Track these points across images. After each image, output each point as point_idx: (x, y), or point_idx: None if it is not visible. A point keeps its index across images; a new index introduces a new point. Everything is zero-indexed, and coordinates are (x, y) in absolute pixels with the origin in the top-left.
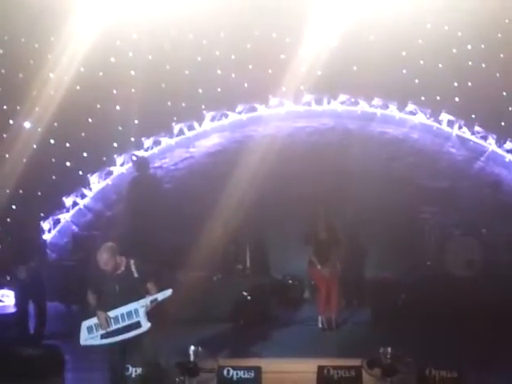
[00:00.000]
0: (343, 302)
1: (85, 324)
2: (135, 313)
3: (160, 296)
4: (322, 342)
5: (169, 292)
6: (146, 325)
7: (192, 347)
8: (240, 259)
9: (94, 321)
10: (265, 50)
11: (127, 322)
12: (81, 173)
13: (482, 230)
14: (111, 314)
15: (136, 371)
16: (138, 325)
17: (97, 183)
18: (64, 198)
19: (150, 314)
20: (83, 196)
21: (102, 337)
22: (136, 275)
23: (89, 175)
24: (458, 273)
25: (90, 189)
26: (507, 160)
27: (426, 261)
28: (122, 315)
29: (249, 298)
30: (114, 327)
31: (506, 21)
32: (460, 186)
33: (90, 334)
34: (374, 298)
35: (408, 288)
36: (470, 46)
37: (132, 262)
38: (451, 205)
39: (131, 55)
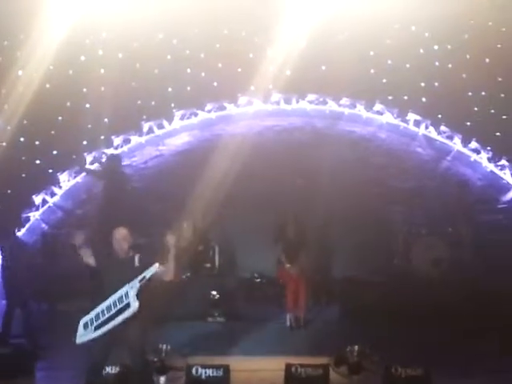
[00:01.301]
0: (311, 301)
1: (82, 321)
2: (125, 296)
3: (147, 273)
4: (290, 341)
5: (155, 267)
6: (134, 305)
7: (160, 346)
8: (209, 258)
9: (89, 316)
10: (234, 49)
11: (118, 307)
12: (50, 171)
13: (449, 229)
14: (106, 302)
15: (114, 369)
16: (127, 306)
17: (67, 181)
18: (34, 196)
19: (139, 294)
20: (53, 194)
21: (96, 329)
22: (137, 265)
23: (58, 173)
24: (425, 271)
25: (60, 187)
26: (472, 159)
27: (393, 259)
28: (114, 302)
29: (217, 296)
30: (107, 315)
31: (472, 22)
32: (426, 185)
33: (85, 330)
34: (341, 297)
35: (375, 286)
36: (436, 47)
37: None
38: (418, 204)
39: (101, 53)
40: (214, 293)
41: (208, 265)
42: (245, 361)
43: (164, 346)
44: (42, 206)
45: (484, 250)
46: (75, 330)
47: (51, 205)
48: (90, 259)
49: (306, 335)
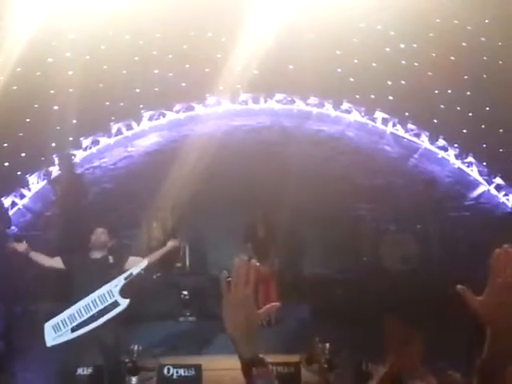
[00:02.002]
0: (282, 299)
1: (49, 324)
2: (109, 294)
3: (134, 270)
4: (262, 339)
5: (144, 263)
6: (124, 302)
7: (132, 346)
8: (179, 257)
9: (59, 318)
10: (201, 49)
11: (101, 307)
12: (19, 173)
13: (417, 226)
14: (82, 302)
15: (86, 371)
16: (115, 304)
17: (35, 183)
18: (2, 199)
19: (125, 291)
20: (22, 196)
21: (73, 330)
22: (111, 261)
23: (27, 175)
24: (394, 268)
25: (29, 189)
26: (440, 157)
27: (362, 257)
28: (94, 301)
29: (188, 296)
30: (85, 316)
31: (438, 20)
32: (395, 182)
33: (57, 333)
34: (311, 295)
35: (345, 284)
36: (402, 45)
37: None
38: (386, 201)
39: (68, 55)
40: (185, 292)
41: (178, 264)
42: (217, 360)
43: (135, 347)
44: (12, 209)
45: (452, 246)
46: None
47: (20, 207)
48: (56, 262)
49: (278, 334)
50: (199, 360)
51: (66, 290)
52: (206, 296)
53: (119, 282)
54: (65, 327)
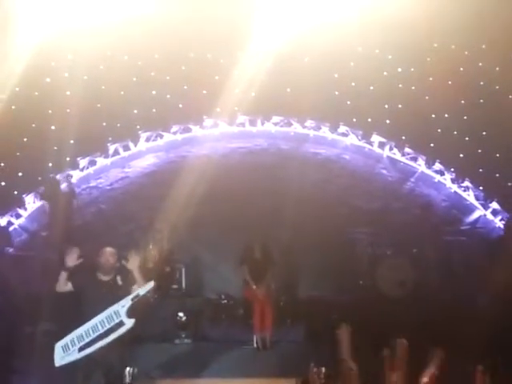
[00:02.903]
0: (277, 322)
1: (59, 344)
2: (116, 314)
3: (142, 291)
4: (257, 362)
5: (150, 284)
6: (129, 322)
7: (127, 368)
8: (175, 279)
9: (68, 339)
10: (199, 71)
11: (108, 327)
12: (16, 192)
13: (413, 250)
14: (90, 323)
15: None
16: (120, 324)
17: (32, 203)
18: None
19: (131, 311)
20: (18, 216)
21: (81, 349)
22: (120, 283)
23: (24, 195)
24: (390, 292)
25: (25, 209)
26: (436, 181)
27: (358, 280)
28: (102, 321)
29: (184, 318)
30: (93, 336)
31: (435, 45)
32: (391, 206)
33: (65, 352)
34: (307, 318)
35: (341, 307)
36: (400, 69)
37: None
38: (383, 225)
39: (67, 75)
40: (181, 314)
41: (175, 286)
42: (212, 382)
43: (131, 369)
44: (8, 228)
45: (448, 270)
46: (45, 353)
47: (16, 227)
48: (65, 285)
49: (273, 356)
50: (195, 382)
51: (73, 312)
52: (202, 318)
53: (126, 302)
54: (73, 347)
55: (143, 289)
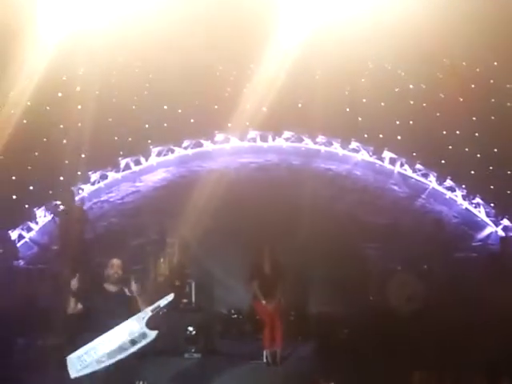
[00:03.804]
0: (287, 337)
1: (72, 356)
2: (135, 326)
3: (162, 302)
4: (267, 377)
5: (171, 297)
6: (152, 333)
7: (137, 382)
8: (185, 293)
9: (82, 351)
10: (211, 86)
11: (128, 338)
12: (27, 206)
13: (424, 266)
14: (107, 335)
15: None
16: (143, 335)
17: (43, 217)
18: (10, 232)
19: (152, 323)
20: (29, 229)
21: (100, 361)
22: (128, 294)
23: (35, 209)
24: (400, 308)
25: (36, 222)
26: (447, 197)
27: (368, 296)
28: (121, 333)
29: (194, 332)
30: (112, 348)
31: (446, 62)
32: (402, 222)
33: (82, 364)
34: (317, 333)
35: (351, 323)
36: (411, 86)
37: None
38: (393, 241)
39: (78, 89)
40: (191, 329)
41: (185, 300)
42: None
43: (140, 383)
44: (18, 242)
45: (458, 287)
46: (55, 365)
47: (27, 240)
48: (75, 307)
49: (283, 372)
50: None
51: (82, 324)
52: (212, 333)
53: (146, 314)
54: (90, 359)
55: (163, 300)
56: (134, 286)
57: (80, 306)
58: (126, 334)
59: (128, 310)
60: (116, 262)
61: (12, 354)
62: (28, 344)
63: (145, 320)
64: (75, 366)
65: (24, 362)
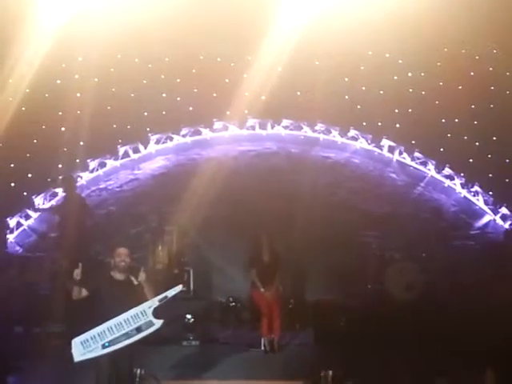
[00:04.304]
0: (285, 325)
1: (77, 340)
2: (142, 314)
3: (170, 293)
4: (265, 365)
5: (179, 288)
6: (158, 322)
7: (135, 370)
8: (183, 281)
9: (88, 335)
10: (210, 74)
11: (134, 326)
12: (25, 194)
13: (422, 254)
14: (113, 321)
15: None
16: (149, 324)
17: (41, 204)
18: (8, 219)
19: (159, 312)
20: (27, 217)
21: (104, 347)
22: (136, 283)
23: (33, 196)
24: (398, 296)
25: (35, 210)
26: (446, 185)
27: (367, 284)
28: (127, 320)
29: (192, 320)
30: (117, 334)
31: (446, 50)
32: (400, 211)
33: (86, 348)
34: (315, 321)
35: (349, 311)
36: (410, 74)
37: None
38: (392, 229)
39: (77, 77)
40: (189, 316)
41: (183, 288)
42: None
43: (138, 370)
44: (17, 229)
45: (456, 275)
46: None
47: (26, 228)
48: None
49: (281, 359)
50: None
51: (85, 312)
52: (210, 320)
53: (153, 303)
54: (95, 343)
55: (171, 291)
56: (142, 276)
57: (85, 292)
58: (132, 322)
59: (134, 298)
60: (123, 250)
61: (10, 343)
62: (26, 332)
63: (151, 309)
64: (79, 350)
65: (23, 350)
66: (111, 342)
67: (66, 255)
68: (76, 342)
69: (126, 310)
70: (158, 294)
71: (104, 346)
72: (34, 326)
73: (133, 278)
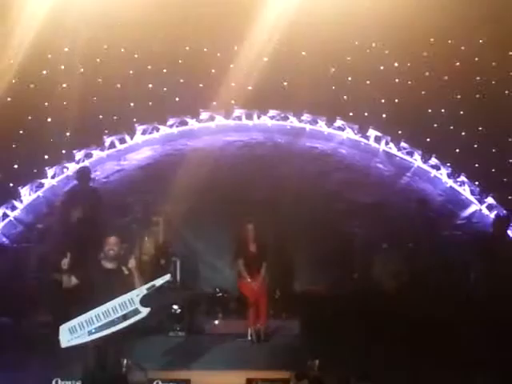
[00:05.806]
0: (272, 315)
1: (65, 326)
2: (130, 302)
3: (158, 281)
4: (251, 355)
5: (167, 277)
6: (145, 310)
7: (121, 360)
8: (170, 272)
9: (76, 321)
10: (196, 64)
11: (121, 313)
12: (11, 185)
13: (409, 244)
14: (100, 308)
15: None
16: (136, 311)
17: (28, 195)
18: None
19: (146, 300)
20: (14, 208)
21: (91, 333)
22: (126, 272)
23: (19, 187)
24: (385, 285)
25: (21, 201)
26: (432, 175)
27: (353, 274)
28: (114, 308)
29: (178, 310)
30: (104, 321)
31: (432, 40)
32: (387, 200)
33: (73, 334)
34: (302, 311)
35: (336, 300)
36: (396, 64)
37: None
38: (378, 219)
39: (63, 68)
40: (176, 307)
41: (170, 279)
42: (206, 375)
43: (124, 361)
44: (3, 220)
45: (443, 265)
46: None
47: (12, 219)
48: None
49: (267, 349)
50: (188, 375)
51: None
52: (197, 311)
53: (141, 291)
54: (81, 330)
55: (159, 280)
56: (132, 263)
57: (74, 280)
58: (120, 310)
59: (124, 287)
60: (113, 239)
61: None
62: (14, 323)
63: (139, 297)
64: (66, 336)
65: (11, 341)
66: (97, 329)
67: (75, 247)
68: (64, 329)
69: (114, 298)
70: (146, 283)
71: (90, 333)
72: (23, 317)
73: (124, 268)
